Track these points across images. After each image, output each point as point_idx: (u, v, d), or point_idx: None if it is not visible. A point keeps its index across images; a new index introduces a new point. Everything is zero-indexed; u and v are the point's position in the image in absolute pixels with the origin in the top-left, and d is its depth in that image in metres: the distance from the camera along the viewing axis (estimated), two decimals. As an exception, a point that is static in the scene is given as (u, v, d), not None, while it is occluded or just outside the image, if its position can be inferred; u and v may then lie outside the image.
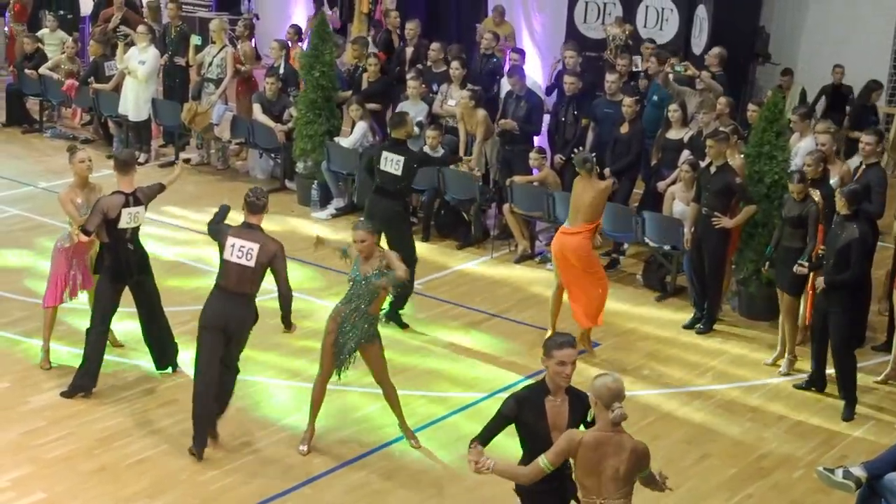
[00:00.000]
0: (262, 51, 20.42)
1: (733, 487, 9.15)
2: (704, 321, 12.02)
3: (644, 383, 10.78)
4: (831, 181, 11.55)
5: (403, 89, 15.36)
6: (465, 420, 9.86)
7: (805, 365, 10.96)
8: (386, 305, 10.75)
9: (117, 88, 16.86)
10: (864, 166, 11.61)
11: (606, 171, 13.61)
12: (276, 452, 9.23)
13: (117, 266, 9.74)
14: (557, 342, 6.60)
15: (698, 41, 17.73)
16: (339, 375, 9.27)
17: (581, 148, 12.79)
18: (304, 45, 17.61)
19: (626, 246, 14.00)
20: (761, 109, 12.45)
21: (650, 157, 13.85)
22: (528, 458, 6.62)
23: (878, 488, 8.17)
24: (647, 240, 12.96)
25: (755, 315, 12.28)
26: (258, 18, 22.43)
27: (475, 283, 13.10)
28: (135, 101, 16.52)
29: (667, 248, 12.78)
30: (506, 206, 13.83)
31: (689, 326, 12.09)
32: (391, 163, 11.60)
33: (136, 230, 9.82)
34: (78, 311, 10.72)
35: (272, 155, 16.10)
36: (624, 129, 13.59)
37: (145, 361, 10.46)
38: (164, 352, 10.35)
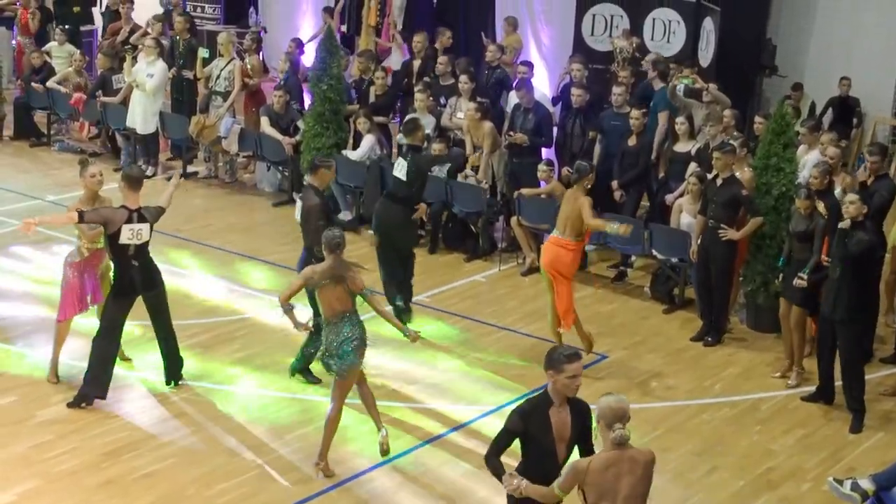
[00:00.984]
0: (270, 64, 20.45)
1: (742, 500, 9.13)
2: (712, 333, 12.01)
3: (652, 396, 10.76)
4: (836, 191, 11.53)
5: (411, 102, 15.38)
6: (472, 434, 9.84)
7: (813, 377, 10.94)
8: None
9: (125, 102, 16.90)
10: (873, 178, 11.60)
11: (614, 183, 13.65)
12: (283, 466, 9.23)
13: (121, 281, 9.77)
14: (566, 355, 6.59)
15: (705, 54, 17.72)
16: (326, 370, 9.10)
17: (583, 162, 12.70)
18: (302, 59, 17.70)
19: (633, 258, 13.99)
20: (768, 122, 12.45)
21: (656, 168, 13.85)
22: (526, 467, 6.67)
23: (887, 500, 8.16)
24: (654, 252, 12.95)
25: (763, 327, 12.25)
26: (266, 31, 22.47)
27: (483, 295, 13.10)
28: (142, 115, 16.54)
29: (674, 260, 12.77)
30: (514, 219, 13.83)
31: (697, 339, 12.07)
32: (401, 168, 11.85)
33: (140, 247, 9.79)
34: (89, 325, 10.73)
35: (280, 168, 16.12)
36: (631, 141, 13.60)
37: (152, 374, 10.47)
38: (170, 366, 10.36)
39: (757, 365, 11.57)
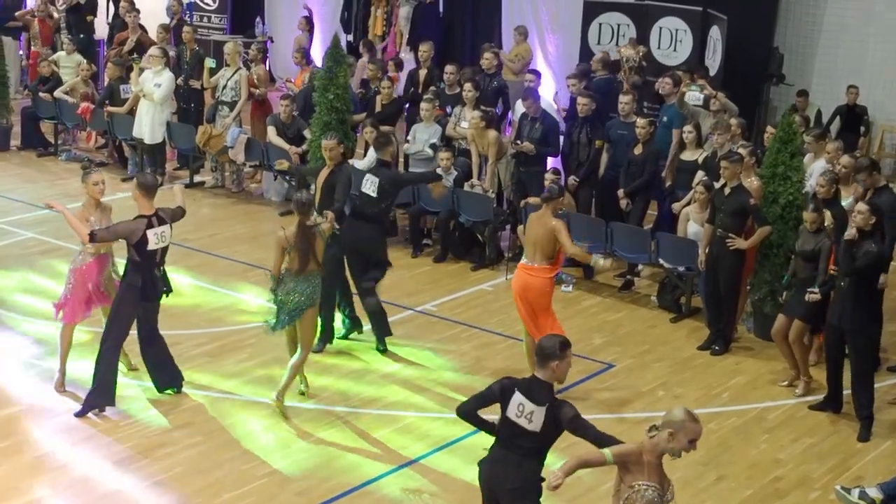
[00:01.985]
0: (276, 74, 20.49)
1: (750, 509, 9.13)
2: (720, 342, 12.00)
3: (659, 405, 10.75)
4: (846, 201, 11.51)
5: (417, 111, 15.40)
6: (481, 440, 9.81)
7: (820, 386, 10.93)
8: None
9: (132, 111, 16.93)
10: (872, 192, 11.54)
11: (620, 192, 13.65)
12: (291, 475, 9.23)
13: (144, 288, 9.77)
14: (561, 341, 7.01)
15: (712, 62, 17.74)
16: (273, 329, 10.07)
17: (552, 183, 12.46)
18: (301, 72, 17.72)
19: (640, 267, 13.99)
20: (776, 130, 12.45)
21: (664, 178, 13.86)
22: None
23: (895, 509, 8.16)
24: (661, 261, 12.96)
25: (770, 336, 12.22)
26: (272, 41, 22.54)
27: (490, 304, 13.09)
28: (150, 124, 16.57)
29: (681, 269, 12.77)
30: (520, 228, 13.81)
31: (704, 348, 12.06)
32: (370, 184, 11.51)
33: (164, 251, 9.87)
34: (92, 332, 10.76)
35: (287, 177, 16.14)
36: (638, 150, 13.61)
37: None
38: (162, 373, 10.37)
39: (764, 374, 11.56)
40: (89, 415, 9.88)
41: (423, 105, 14.99)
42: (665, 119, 14.71)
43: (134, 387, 10.45)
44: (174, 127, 17.04)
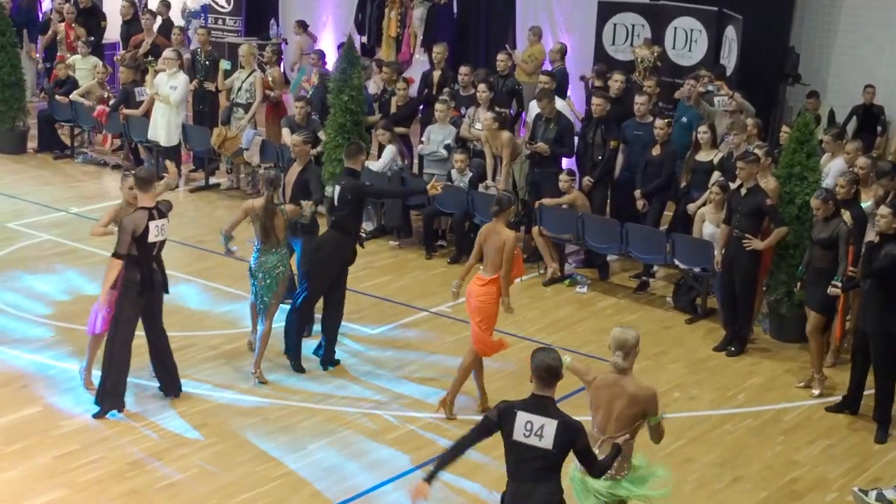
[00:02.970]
0: (291, 76, 20.50)
1: (766, 511, 9.10)
2: (736, 343, 11.96)
3: (675, 406, 10.72)
4: (867, 203, 11.45)
5: (431, 112, 15.39)
6: (493, 444, 9.78)
7: (837, 388, 10.88)
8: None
9: (147, 114, 16.95)
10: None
11: (637, 192, 13.63)
12: (305, 477, 9.22)
13: (143, 282, 9.77)
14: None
15: (728, 62, 17.69)
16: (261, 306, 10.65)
17: (506, 190, 12.15)
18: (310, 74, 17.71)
19: (656, 268, 13.96)
20: (792, 130, 12.41)
21: (679, 179, 13.83)
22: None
23: (913, 511, 8.12)
24: (677, 262, 12.92)
25: (787, 337, 12.21)
26: (286, 43, 22.55)
27: (504, 305, 13.05)
28: (165, 127, 16.58)
29: (697, 270, 12.73)
30: (535, 229, 13.81)
31: (720, 349, 12.03)
32: (333, 191, 11.29)
33: (161, 245, 9.90)
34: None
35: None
36: (655, 150, 13.58)
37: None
38: (166, 373, 10.38)
39: (780, 375, 11.52)
40: (106, 416, 9.90)
41: (437, 106, 14.98)
42: (684, 120, 14.68)
43: (148, 387, 10.46)
44: (189, 129, 17.06)
